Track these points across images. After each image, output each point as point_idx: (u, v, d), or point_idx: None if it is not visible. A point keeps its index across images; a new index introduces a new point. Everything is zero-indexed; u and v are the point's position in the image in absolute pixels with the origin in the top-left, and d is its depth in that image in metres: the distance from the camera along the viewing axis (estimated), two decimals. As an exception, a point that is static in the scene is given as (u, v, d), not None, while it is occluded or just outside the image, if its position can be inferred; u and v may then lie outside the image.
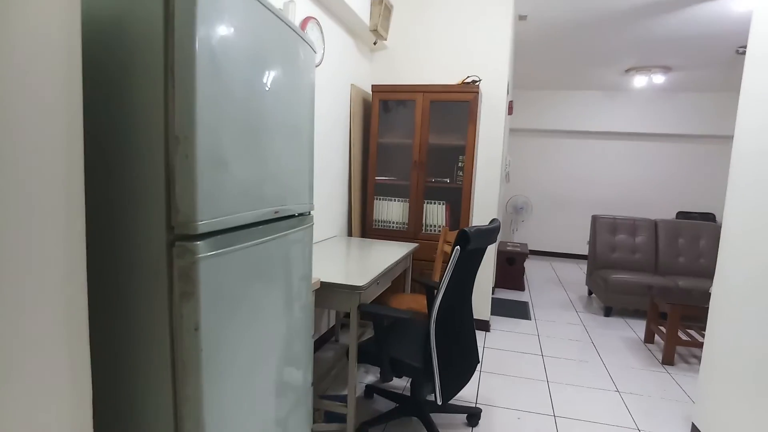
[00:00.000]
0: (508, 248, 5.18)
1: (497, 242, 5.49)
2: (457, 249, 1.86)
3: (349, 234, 3.53)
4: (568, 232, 7.32)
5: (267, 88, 1.10)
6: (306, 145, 1.36)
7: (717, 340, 2.15)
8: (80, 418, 0.79)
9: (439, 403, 1.93)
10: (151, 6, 0.84)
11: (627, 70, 5.48)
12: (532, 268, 6.44)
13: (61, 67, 0.70)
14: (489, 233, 2.00)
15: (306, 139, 1.36)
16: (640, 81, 5.48)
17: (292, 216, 1.32)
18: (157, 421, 0.92)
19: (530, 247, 7.51)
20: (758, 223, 1.90)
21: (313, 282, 1.91)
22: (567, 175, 7.26)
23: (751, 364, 1.88)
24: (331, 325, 3.38)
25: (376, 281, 2.27)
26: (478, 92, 3.18)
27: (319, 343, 3.21)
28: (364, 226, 3.58)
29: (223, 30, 0.91)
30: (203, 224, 0.88)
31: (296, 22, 2.44)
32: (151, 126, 0.86)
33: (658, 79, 5.37)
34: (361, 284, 2.00)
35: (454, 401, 2.52)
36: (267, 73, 1.09)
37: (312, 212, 1.46)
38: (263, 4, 1.05)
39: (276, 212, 1.16)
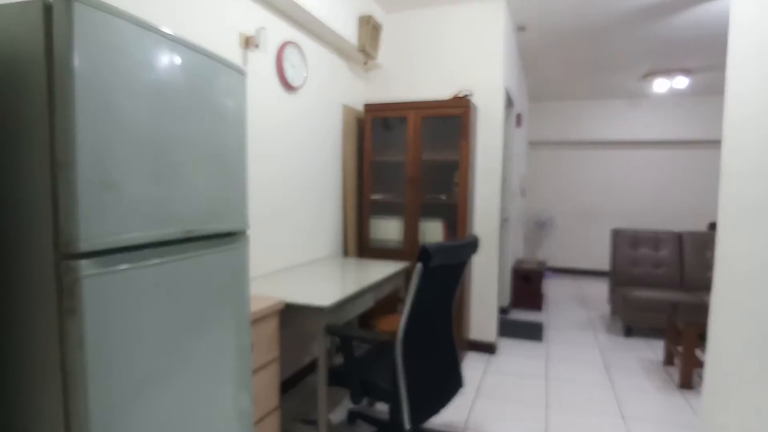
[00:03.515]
0: (524, 266, 4.99)
1: (513, 260, 5.31)
2: (419, 266, 1.80)
3: (345, 254, 3.51)
4: (595, 247, 6.98)
5: (172, 114, 1.13)
6: (235, 164, 1.37)
7: (715, 353, 1.95)
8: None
9: (408, 427, 1.84)
10: (32, 42, 0.91)
11: (645, 75, 5.25)
12: (555, 286, 6.17)
13: None
14: (456, 249, 1.92)
15: (235, 159, 1.37)
16: (660, 86, 5.23)
17: (216, 236, 1.32)
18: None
19: (556, 264, 7.21)
20: (747, 223, 1.73)
21: (274, 303, 1.91)
22: (593, 189, 6.98)
23: (743, 379, 1.68)
24: (327, 348, 3.33)
25: (350, 301, 2.23)
26: (469, 106, 3.13)
27: (314, 366, 3.17)
28: (361, 245, 3.55)
29: (109, 64, 0.96)
30: (86, 243, 0.92)
31: (270, 47, 2.50)
32: (38, 154, 0.92)
33: (680, 82, 5.10)
34: (326, 304, 1.96)
35: (437, 427, 2.41)
36: (171, 99, 1.12)
37: (247, 232, 1.45)
38: (162, 35, 1.09)
39: (188, 232, 1.17)
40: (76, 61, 0.89)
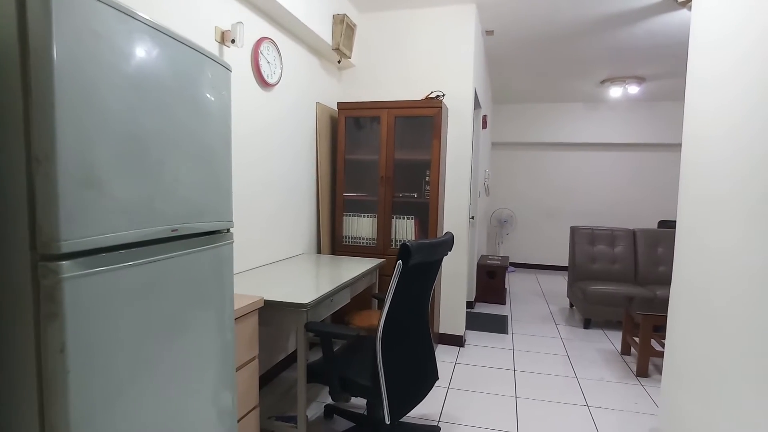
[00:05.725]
0: (488, 262, 5.15)
1: (478, 256, 5.46)
2: (399, 264, 1.84)
3: (319, 251, 3.51)
4: (553, 244, 7.28)
5: (157, 108, 1.09)
6: (219, 161, 1.36)
7: (674, 346, 2.10)
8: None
9: (387, 422, 1.88)
10: (3, 28, 0.84)
11: (602, 82, 5.53)
12: (516, 281, 6.39)
13: None
14: (434, 247, 1.97)
15: (220, 156, 1.36)
16: (615, 92, 5.51)
17: (201, 234, 1.30)
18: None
19: (516, 260, 7.47)
20: (705, 223, 1.88)
21: (254, 301, 1.90)
22: (552, 187, 7.27)
23: (705, 368, 1.83)
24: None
25: (328, 298, 2.25)
26: (441, 107, 3.20)
27: (288, 362, 3.16)
28: (334, 242, 3.56)
29: (89, 53, 0.91)
30: (67, 243, 0.87)
31: (246, 42, 2.46)
32: (12, 148, 0.86)
33: (633, 89, 5.41)
34: (305, 302, 1.97)
35: (414, 420, 2.47)
36: (155, 93, 1.09)
37: (231, 230, 1.44)
38: (147, 24, 1.06)
39: (174, 230, 1.15)
40: (55, 49, 0.84)
